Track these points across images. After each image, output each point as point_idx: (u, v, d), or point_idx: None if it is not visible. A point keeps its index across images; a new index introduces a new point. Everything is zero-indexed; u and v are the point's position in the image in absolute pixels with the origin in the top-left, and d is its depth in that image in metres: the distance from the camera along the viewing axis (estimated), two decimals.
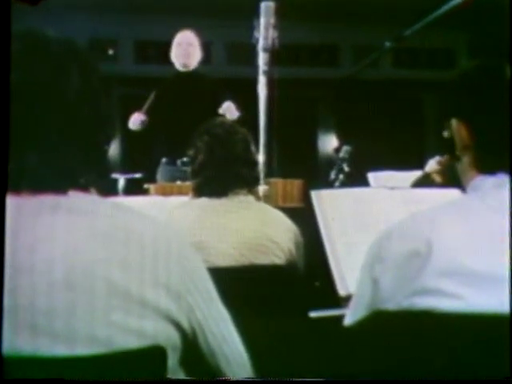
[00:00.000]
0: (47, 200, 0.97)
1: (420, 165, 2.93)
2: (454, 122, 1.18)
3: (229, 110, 3.88)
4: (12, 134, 0.97)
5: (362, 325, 1.10)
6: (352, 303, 1.21)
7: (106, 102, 1.04)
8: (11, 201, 0.97)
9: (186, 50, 3.99)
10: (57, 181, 0.98)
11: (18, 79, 0.97)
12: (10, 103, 0.97)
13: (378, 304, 1.11)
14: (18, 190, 0.97)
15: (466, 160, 1.17)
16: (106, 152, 1.07)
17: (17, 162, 0.97)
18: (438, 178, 2.67)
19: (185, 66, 4.01)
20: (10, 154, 0.97)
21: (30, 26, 1.04)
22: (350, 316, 1.20)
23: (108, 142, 1.07)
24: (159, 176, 4.04)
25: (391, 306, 1.08)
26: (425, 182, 2.76)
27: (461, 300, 1.02)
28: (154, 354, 0.96)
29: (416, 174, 2.95)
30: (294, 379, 1.06)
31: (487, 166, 1.14)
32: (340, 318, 1.24)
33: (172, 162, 3.93)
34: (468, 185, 1.17)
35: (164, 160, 4.02)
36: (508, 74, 1.14)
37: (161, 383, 0.97)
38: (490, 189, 1.11)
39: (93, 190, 1.05)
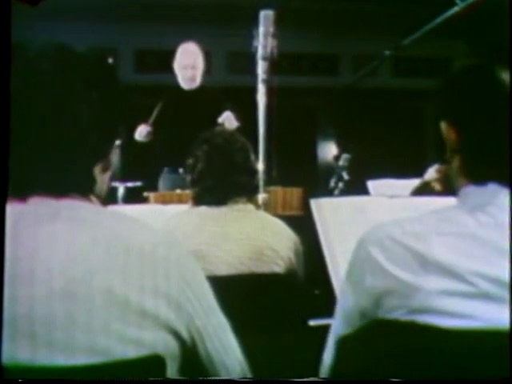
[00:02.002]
0: (48, 209, 0.98)
1: (419, 173, 2.93)
2: (443, 125, 1.14)
3: (228, 120, 3.90)
4: (24, 138, 0.98)
5: (359, 334, 1.09)
6: (337, 313, 1.18)
7: (89, 114, 1.04)
8: (12, 208, 0.97)
9: (191, 75, 4.05)
10: (60, 189, 0.99)
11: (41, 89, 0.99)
12: (28, 111, 0.98)
13: (369, 314, 1.10)
14: (22, 197, 0.98)
15: (455, 165, 1.13)
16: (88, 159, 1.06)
17: (25, 168, 0.98)
18: (437, 186, 2.67)
19: (190, 87, 4.06)
20: (18, 160, 0.97)
21: (60, 42, 1.05)
22: (340, 326, 1.17)
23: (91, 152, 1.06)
24: (161, 184, 4.07)
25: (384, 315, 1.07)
26: (424, 190, 2.76)
27: (463, 317, 1.01)
28: (153, 364, 0.96)
29: (415, 182, 2.95)
30: (294, 379, 1.06)
31: (476, 174, 1.09)
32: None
33: (174, 171, 3.95)
34: (459, 191, 1.13)
35: (166, 169, 4.05)
36: (500, 75, 1.09)
37: (161, 383, 0.97)
38: (479, 202, 1.07)
39: (93, 199, 1.05)
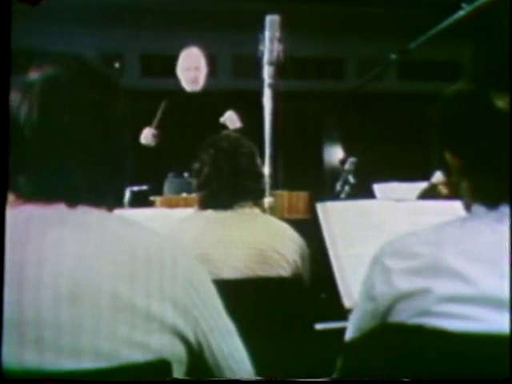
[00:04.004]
0: (55, 213, 0.98)
1: (426, 176, 2.92)
2: (446, 153, 1.13)
3: (230, 120, 3.89)
4: (40, 145, 0.99)
5: (368, 337, 1.10)
6: (352, 318, 1.20)
7: (129, 131, 1.08)
8: (20, 212, 0.98)
9: (194, 76, 4.04)
10: (71, 195, 1.00)
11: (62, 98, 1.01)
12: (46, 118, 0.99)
13: (378, 319, 1.10)
14: (30, 200, 0.98)
15: (463, 186, 1.13)
16: (124, 178, 1.09)
17: (36, 172, 0.99)
18: (444, 190, 2.66)
19: (193, 89, 4.05)
20: (33, 165, 0.99)
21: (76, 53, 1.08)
22: (352, 330, 1.19)
23: (129, 170, 1.09)
24: (166, 189, 4.07)
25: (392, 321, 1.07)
26: (431, 193, 2.75)
27: (471, 321, 1.01)
28: (159, 368, 0.96)
29: (422, 186, 2.94)
30: (294, 379, 1.06)
31: (486, 197, 1.09)
32: (344, 330, 1.24)
33: (179, 175, 3.95)
34: (468, 208, 1.13)
35: (171, 173, 4.05)
36: (492, 98, 1.07)
37: (161, 383, 0.97)
38: (492, 219, 1.07)
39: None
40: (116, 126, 1.06)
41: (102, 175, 1.03)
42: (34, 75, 1.02)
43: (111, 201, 1.06)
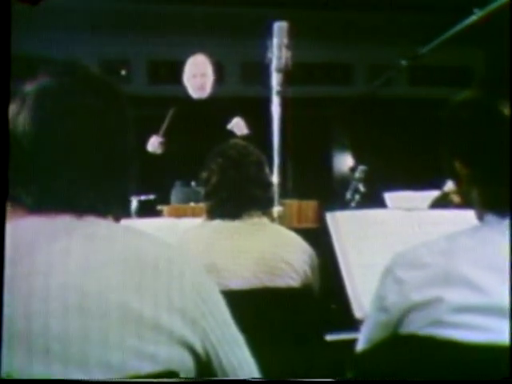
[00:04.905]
0: (62, 224, 0.99)
1: (438, 185, 2.92)
2: (455, 162, 1.14)
3: (237, 126, 3.90)
4: (40, 155, 1.00)
5: (380, 348, 1.10)
6: (363, 329, 1.21)
7: (133, 138, 1.09)
8: (25, 223, 0.99)
9: (200, 83, 4.06)
10: (77, 205, 1.01)
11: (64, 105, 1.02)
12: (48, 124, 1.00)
13: (390, 330, 1.11)
14: (34, 211, 1.00)
15: (474, 195, 1.13)
16: (129, 186, 1.10)
17: (42, 182, 1.00)
18: (456, 199, 2.66)
19: (200, 96, 4.07)
20: (36, 175, 1.00)
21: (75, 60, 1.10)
22: (363, 341, 1.19)
23: (133, 177, 1.10)
24: (173, 198, 4.07)
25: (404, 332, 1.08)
26: (443, 202, 2.74)
27: (484, 331, 1.01)
28: (168, 379, 0.97)
29: (433, 195, 2.94)
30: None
31: (496, 206, 1.09)
32: (355, 341, 1.24)
33: (186, 184, 3.96)
34: (480, 217, 1.13)
35: (178, 182, 4.06)
36: (498, 105, 1.07)
37: (162, 383, 0.98)
38: (504, 228, 1.07)
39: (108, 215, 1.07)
40: (118, 133, 1.07)
41: (105, 183, 1.04)
42: (29, 86, 1.03)
43: (116, 209, 1.07)
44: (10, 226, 0.98)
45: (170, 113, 3.96)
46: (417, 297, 1.07)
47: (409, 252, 1.13)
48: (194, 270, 1.05)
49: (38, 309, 0.93)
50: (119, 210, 1.08)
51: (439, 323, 1.03)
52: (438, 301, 1.04)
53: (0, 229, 0.97)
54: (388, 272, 1.14)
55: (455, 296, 1.03)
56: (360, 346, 1.19)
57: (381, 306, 1.14)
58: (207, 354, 1.04)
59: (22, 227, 0.99)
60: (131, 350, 0.95)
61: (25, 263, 0.96)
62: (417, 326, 1.06)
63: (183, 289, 1.01)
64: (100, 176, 1.03)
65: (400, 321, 1.10)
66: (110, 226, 1.05)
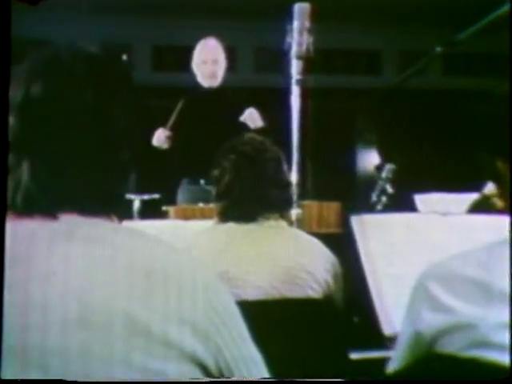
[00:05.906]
0: (62, 227, 1.00)
1: (476, 186, 2.91)
2: (498, 163, 1.13)
3: (251, 118, 3.90)
4: (20, 152, 1.01)
5: (412, 371, 1.10)
6: (396, 347, 1.21)
7: (124, 125, 1.08)
8: (21, 226, 1.00)
9: (211, 70, 4.05)
10: (65, 205, 1.01)
11: (35, 93, 1.02)
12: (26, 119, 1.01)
13: (423, 350, 1.11)
14: (29, 214, 1.00)
15: None
16: (120, 179, 1.10)
17: (27, 182, 1.00)
18: (499, 203, 2.64)
19: (210, 85, 4.07)
20: (19, 174, 1.01)
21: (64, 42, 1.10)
22: (394, 361, 1.19)
23: (124, 168, 1.10)
24: (180, 197, 4.08)
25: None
26: (483, 206, 2.72)
27: None
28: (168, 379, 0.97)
29: (471, 198, 2.92)
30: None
31: None
32: (384, 361, 1.24)
33: (195, 182, 3.96)
34: None
35: (186, 179, 4.06)
36: None
37: None
38: None
39: (111, 216, 1.07)
40: (119, 125, 1.06)
41: (102, 180, 1.04)
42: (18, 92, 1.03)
43: (113, 207, 1.07)
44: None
45: (180, 104, 3.95)
46: (454, 315, 1.07)
47: (443, 263, 1.13)
48: (207, 278, 1.05)
49: (36, 320, 0.94)
50: (115, 208, 1.07)
51: (483, 344, 1.03)
52: (479, 319, 1.04)
53: (0, 230, 0.98)
54: (420, 285, 1.14)
55: (498, 313, 1.03)
56: (391, 366, 1.19)
57: (413, 323, 1.13)
58: (221, 372, 1.04)
59: (17, 230, 0.99)
60: (137, 366, 0.95)
61: (21, 270, 0.96)
62: (457, 346, 1.06)
63: (195, 300, 1.00)
64: (95, 171, 1.03)
65: (434, 340, 1.09)
66: (114, 228, 1.05)
